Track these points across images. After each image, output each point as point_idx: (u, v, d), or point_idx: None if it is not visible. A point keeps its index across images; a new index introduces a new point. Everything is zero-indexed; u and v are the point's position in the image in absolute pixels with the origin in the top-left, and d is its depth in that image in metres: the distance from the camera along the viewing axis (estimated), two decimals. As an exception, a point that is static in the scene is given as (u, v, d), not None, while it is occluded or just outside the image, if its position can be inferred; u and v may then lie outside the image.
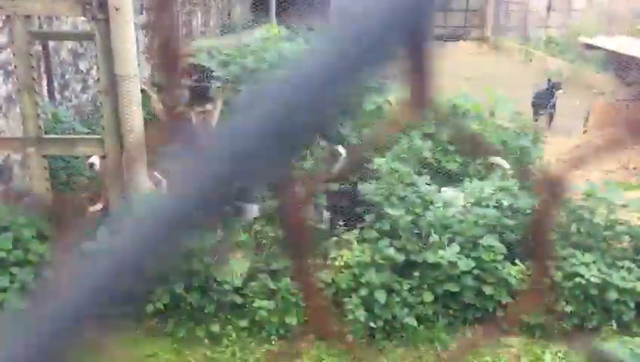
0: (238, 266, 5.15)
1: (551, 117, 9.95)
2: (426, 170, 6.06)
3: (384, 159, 5.97)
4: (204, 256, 4.92)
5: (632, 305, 4.81)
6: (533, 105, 9.83)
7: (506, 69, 14.20)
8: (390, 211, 5.16)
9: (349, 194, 5.76)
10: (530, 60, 15.36)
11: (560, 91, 9.74)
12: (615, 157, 8.33)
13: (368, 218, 5.34)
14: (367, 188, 5.50)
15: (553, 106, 9.83)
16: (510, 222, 5.14)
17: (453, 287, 4.88)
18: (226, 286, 4.95)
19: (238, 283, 5.02)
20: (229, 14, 14.14)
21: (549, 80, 10.15)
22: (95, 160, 5.48)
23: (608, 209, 5.26)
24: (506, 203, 5.25)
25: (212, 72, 6.40)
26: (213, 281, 4.95)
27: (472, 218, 5.09)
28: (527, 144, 6.50)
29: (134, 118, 4.90)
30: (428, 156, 6.32)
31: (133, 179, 5.04)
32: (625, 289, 4.77)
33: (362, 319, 4.73)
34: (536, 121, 9.46)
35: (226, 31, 13.02)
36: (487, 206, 5.23)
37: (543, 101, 9.76)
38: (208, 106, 6.00)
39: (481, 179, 5.88)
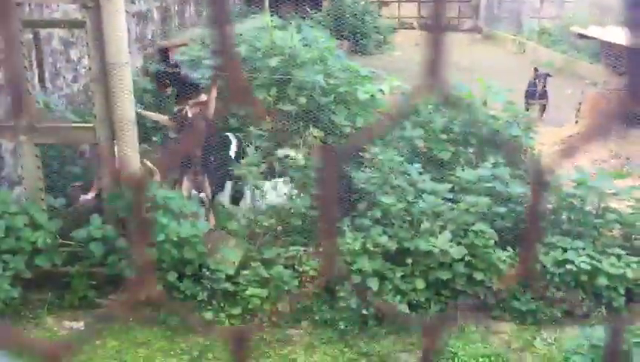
0: (231, 255, 5.17)
1: (543, 107, 9.98)
2: (418, 159, 6.08)
3: (377, 148, 5.99)
4: (197, 245, 4.93)
5: (622, 291, 4.86)
6: (525, 95, 9.87)
7: (499, 59, 14.22)
8: (382, 199, 5.18)
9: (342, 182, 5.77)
10: (524, 51, 15.38)
11: (539, 81, 9.75)
12: (607, 145, 8.38)
13: (361, 206, 5.36)
14: (360, 177, 5.51)
15: (544, 96, 9.86)
16: (501, 210, 5.17)
17: (445, 274, 4.91)
18: (219, 275, 4.97)
19: (230, 271, 5.04)
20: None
21: (535, 69, 10.17)
22: (86, 146, 5.46)
23: (599, 197, 5.30)
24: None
25: (201, 61, 6.39)
26: (206, 270, 4.97)
27: (463, 205, 5.11)
28: (519, 133, 6.51)
29: (126, 106, 4.88)
30: (420, 145, 6.33)
31: (125, 168, 5.03)
32: (615, 275, 4.81)
33: (354, 306, 4.76)
34: (527, 110, 9.49)
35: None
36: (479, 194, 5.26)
37: (534, 91, 9.80)
38: (202, 97, 5.96)
39: (474, 167, 5.90)
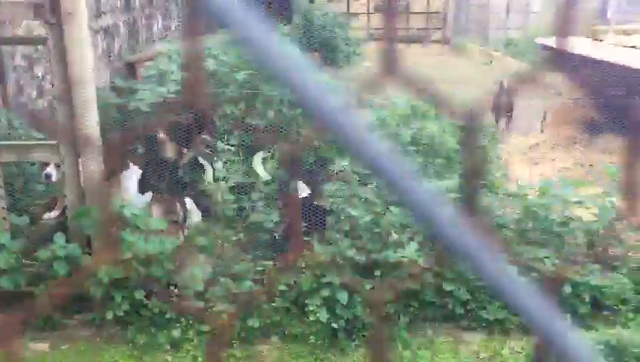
0: (199, 271, 5.12)
1: (509, 118, 10.10)
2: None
3: (346, 161, 6.02)
4: (164, 262, 4.88)
5: (587, 298, 4.94)
6: (492, 107, 9.93)
7: (466, 70, 14.42)
8: (351, 211, 5.20)
9: (310, 196, 5.78)
10: (491, 62, 15.62)
11: (505, 93, 9.75)
12: (571, 154, 8.55)
13: (329, 219, 5.37)
14: (329, 189, 5.53)
15: (510, 108, 9.93)
16: (468, 221, 5.21)
17: (414, 285, 4.94)
18: (188, 292, 4.93)
19: (199, 288, 5.00)
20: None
21: (500, 82, 10.11)
22: (52, 170, 5.32)
23: (563, 205, 5.40)
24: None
25: None
26: (174, 287, 4.92)
27: (430, 217, 5.15)
28: (484, 143, 6.62)
29: (90, 123, 4.83)
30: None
31: (90, 185, 4.97)
32: (579, 283, 4.89)
33: (324, 320, 4.76)
34: (497, 122, 9.60)
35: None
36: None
37: (500, 103, 9.89)
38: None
39: (441, 178, 5.97)
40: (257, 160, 6.07)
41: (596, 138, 9.07)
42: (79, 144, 4.85)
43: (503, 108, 9.91)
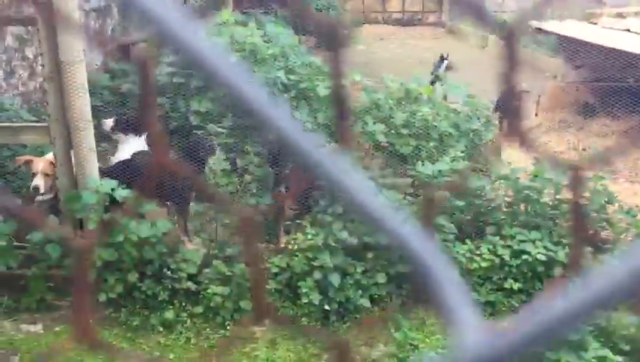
0: (192, 253, 5.13)
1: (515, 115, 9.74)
2: (379, 154, 6.13)
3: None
4: (157, 245, 4.88)
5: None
6: (495, 108, 9.44)
7: (461, 53, 14.37)
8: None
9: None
10: (486, 45, 15.57)
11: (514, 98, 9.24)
12: (565, 138, 8.56)
13: (322, 201, 5.37)
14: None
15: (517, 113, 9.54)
16: (460, 203, 5.24)
17: (406, 268, 4.96)
18: (181, 274, 4.94)
19: (192, 270, 5.01)
20: (185, 0, 13.90)
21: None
22: (39, 181, 5.02)
23: (555, 189, 5.41)
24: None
25: None
26: (167, 269, 4.93)
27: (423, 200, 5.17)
28: (479, 127, 6.61)
29: (81, 104, 4.80)
30: (381, 140, 6.37)
31: (82, 167, 4.95)
32: (569, 265, 4.92)
33: (316, 302, 4.78)
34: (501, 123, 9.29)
35: (181, 16, 12.79)
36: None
37: (506, 107, 9.35)
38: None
39: (434, 161, 5.97)
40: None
41: (591, 121, 9.07)
42: (70, 125, 4.82)
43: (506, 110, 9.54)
